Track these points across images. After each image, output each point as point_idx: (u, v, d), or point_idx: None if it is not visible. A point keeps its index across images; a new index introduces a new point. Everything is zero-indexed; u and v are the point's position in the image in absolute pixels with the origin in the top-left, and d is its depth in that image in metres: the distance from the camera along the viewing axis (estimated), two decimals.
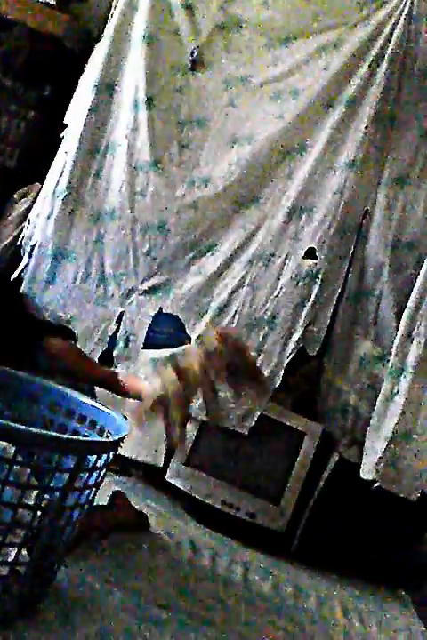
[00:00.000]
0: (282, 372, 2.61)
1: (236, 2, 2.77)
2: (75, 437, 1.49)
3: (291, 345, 2.62)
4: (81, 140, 2.74)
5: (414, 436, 2.40)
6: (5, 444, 1.25)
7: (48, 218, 2.73)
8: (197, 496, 2.49)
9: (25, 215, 2.84)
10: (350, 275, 2.64)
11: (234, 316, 2.65)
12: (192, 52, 2.75)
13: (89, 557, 1.71)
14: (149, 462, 2.60)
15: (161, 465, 2.59)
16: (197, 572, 1.97)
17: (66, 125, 2.83)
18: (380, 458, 2.38)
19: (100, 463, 1.34)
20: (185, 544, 2.14)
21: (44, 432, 1.35)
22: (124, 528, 1.99)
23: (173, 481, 2.53)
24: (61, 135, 2.82)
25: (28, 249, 2.76)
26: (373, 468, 2.40)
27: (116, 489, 2.15)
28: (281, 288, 2.63)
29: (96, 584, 1.60)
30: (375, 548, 2.48)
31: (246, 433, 2.57)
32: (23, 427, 1.20)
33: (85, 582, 1.58)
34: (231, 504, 2.48)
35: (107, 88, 2.77)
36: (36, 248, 2.74)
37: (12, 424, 1.19)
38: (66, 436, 1.46)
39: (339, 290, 2.63)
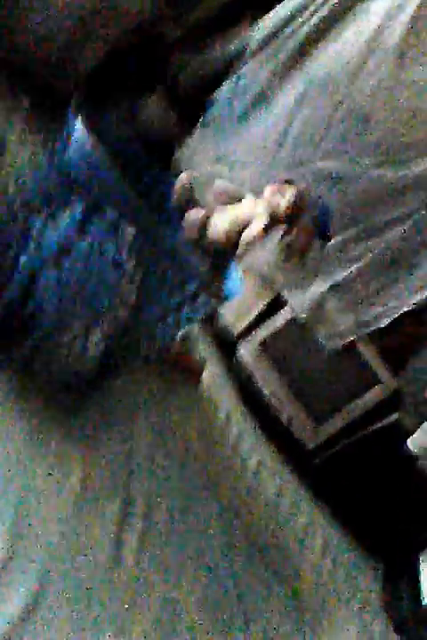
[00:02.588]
0: (394, 317, 2.61)
1: None
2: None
3: (418, 296, 2.59)
4: None
5: None
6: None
7: (269, 60, 2.66)
8: (253, 376, 2.61)
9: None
10: None
11: (381, 244, 2.62)
12: None
13: (142, 374, 1.87)
14: (228, 324, 2.70)
15: (236, 333, 2.67)
16: (222, 440, 2.14)
17: None
18: None
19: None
20: (222, 410, 2.30)
21: None
22: (182, 367, 2.14)
23: (241, 351, 2.65)
24: None
25: (234, 79, 2.73)
26: (422, 445, 2.42)
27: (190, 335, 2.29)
28: None
29: (138, 398, 1.78)
30: (380, 515, 2.55)
31: (329, 349, 2.62)
32: None
33: (131, 391, 1.77)
34: (280, 399, 2.59)
35: None
36: (241, 82, 2.70)
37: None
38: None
39: None
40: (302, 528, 2.20)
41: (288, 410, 2.61)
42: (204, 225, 1.68)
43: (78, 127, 1.28)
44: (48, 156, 1.32)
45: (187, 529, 1.57)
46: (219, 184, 1.84)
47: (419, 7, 2.44)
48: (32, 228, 1.30)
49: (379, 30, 2.51)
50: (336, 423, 2.59)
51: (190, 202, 1.71)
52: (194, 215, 1.67)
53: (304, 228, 1.80)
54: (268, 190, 1.75)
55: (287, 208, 1.72)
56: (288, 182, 1.77)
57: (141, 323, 1.48)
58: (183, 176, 1.71)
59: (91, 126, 1.31)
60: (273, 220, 1.73)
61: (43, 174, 1.30)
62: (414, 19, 2.45)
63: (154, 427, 1.73)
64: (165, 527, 1.49)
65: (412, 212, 2.59)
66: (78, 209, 1.28)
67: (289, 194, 1.72)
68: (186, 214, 1.68)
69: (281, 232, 1.77)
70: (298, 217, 1.76)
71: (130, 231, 1.34)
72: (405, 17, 2.46)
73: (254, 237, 1.67)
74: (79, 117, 1.30)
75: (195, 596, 1.41)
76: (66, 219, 1.28)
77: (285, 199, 1.72)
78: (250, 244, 1.68)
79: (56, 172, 1.29)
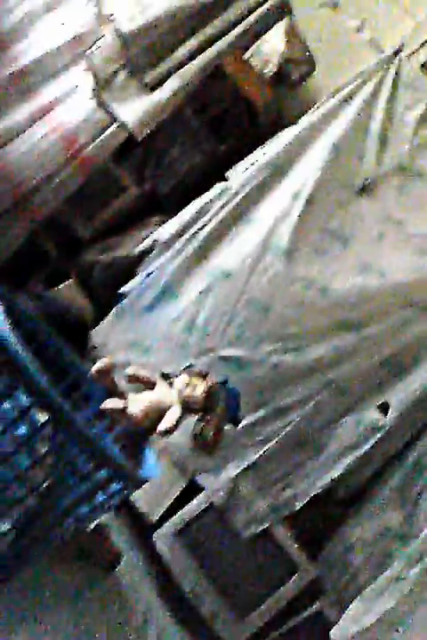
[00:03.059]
0: (306, 500, 2.65)
1: None
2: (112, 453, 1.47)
3: (326, 478, 2.66)
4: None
5: (399, 630, 2.31)
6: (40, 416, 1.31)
7: (176, 256, 2.86)
8: (172, 570, 2.48)
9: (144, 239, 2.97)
10: None
11: (287, 426, 2.71)
12: None
13: (53, 567, 1.74)
14: (144, 512, 2.62)
15: (154, 521, 2.60)
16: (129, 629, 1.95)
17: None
18: (359, 632, 2.30)
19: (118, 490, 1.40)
20: (140, 609, 2.14)
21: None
22: (96, 559, 2.01)
23: (157, 543, 2.54)
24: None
25: (144, 274, 2.89)
26: (346, 636, 2.33)
27: (105, 523, 2.18)
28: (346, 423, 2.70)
29: (48, 596, 1.63)
30: None
31: (245, 536, 2.58)
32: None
33: (41, 588, 1.62)
34: (198, 595, 2.45)
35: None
36: (150, 276, 2.86)
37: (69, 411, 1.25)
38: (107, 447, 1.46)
39: None
40: None
41: (209, 605, 2.45)
42: (120, 411, 1.71)
43: None
44: None
45: None
46: (132, 368, 1.90)
47: (304, 212, 2.79)
48: None
49: (270, 231, 2.81)
50: (260, 617, 2.46)
51: (108, 386, 1.75)
52: (111, 403, 1.71)
53: (216, 417, 1.87)
54: (180, 381, 1.85)
55: (200, 401, 1.83)
56: (200, 374, 1.87)
57: (52, 510, 1.41)
58: (104, 360, 1.76)
59: (6, 309, 1.33)
60: (186, 410, 1.79)
61: None
62: (301, 220, 2.78)
63: (64, 630, 1.57)
64: None
65: (312, 394, 2.74)
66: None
67: (201, 387, 1.84)
68: (104, 402, 1.71)
69: (193, 421, 1.84)
70: (210, 408, 1.84)
71: (42, 416, 1.32)
72: (291, 219, 2.79)
73: (170, 428, 1.72)
74: None
75: None
76: None
77: (198, 392, 1.83)
78: (165, 433, 1.73)
79: None
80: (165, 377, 1.97)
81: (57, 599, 1.64)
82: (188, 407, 1.82)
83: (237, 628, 2.44)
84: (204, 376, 1.89)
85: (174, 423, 1.74)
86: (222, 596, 2.48)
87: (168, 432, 1.74)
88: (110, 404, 1.72)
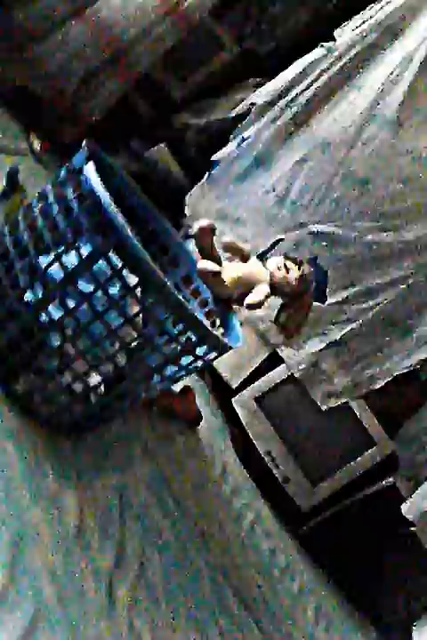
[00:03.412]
0: (389, 379, 2.62)
1: None
2: (199, 317, 1.45)
3: (412, 360, 2.61)
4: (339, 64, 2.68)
5: None
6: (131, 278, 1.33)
7: (272, 122, 2.75)
8: (249, 432, 2.60)
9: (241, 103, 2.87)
10: None
11: (377, 306, 2.63)
12: None
13: (140, 422, 1.88)
14: (225, 378, 2.72)
15: (234, 387, 2.70)
16: (217, 495, 2.10)
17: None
18: None
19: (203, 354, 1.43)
20: (218, 464, 2.26)
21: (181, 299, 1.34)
22: (180, 418, 2.13)
23: (236, 406, 2.65)
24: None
25: (239, 140, 2.82)
26: (417, 511, 2.39)
27: (190, 385, 2.28)
28: None
29: (135, 446, 1.76)
30: (375, 582, 2.50)
31: (324, 409, 2.63)
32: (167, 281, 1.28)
33: (127, 439, 1.75)
34: (274, 459, 2.57)
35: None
36: (245, 142, 2.78)
37: (161, 276, 1.27)
38: (195, 312, 1.45)
39: None
40: (295, 591, 2.13)
41: (283, 469, 2.57)
42: (213, 274, 1.72)
43: (87, 171, 1.30)
44: (57, 196, 1.34)
45: (178, 585, 1.52)
46: (229, 237, 1.90)
47: (415, 79, 2.55)
48: (39, 265, 1.31)
49: (376, 100, 2.61)
50: (331, 485, 2.56)
51: (206, 249, 1.76)
52: (207, 265, 1.71)
53: (303, 306, 1.86)
54: (274, 262, 1.82)
55: (292, 287, 1.82)
56: (295, 261, 1.83)
57: (139, 370, 1.48)
58: (208, 220, 1.76)
59: (99, 171, 1.34)
60: (275, 291, 1.79)
61: (52, 214, 1.32)
62: (411, 90, 2.56)
63: (147, 479, 1.70)
64: (158, 583, 1.44)
65: (407, 276, 2.64)
66: (85, 251, 1.30)
67: (294, 274, 1.82)
68: (201, 262, 1.72)
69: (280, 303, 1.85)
70: (299, 296, 1.82)
71: (133, 277, 1.35)
72: (402, 88, 2.57)
73: (257, 302, 1.73)
74: (89, 163, 1.33)
75: None
76: (73, 260, 1.29)
77: (291, 277, 1.82)
78: (251, 307, 1.74)
79: (64, 213, 1.31)
80: (260, 257, 1.97)
81: (142, 452, 1.76)
82: (278, 290, 1.82)
83: (309, 492, 2.56)
84: (299, 263, 1.86)
85: (262, 299, 1.75)
86: (297, 461, 2.58)
87: (255, 306, 1.74)
88: (207, 265, 1.71)
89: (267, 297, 1.77)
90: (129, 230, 1.28)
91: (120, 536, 1.42)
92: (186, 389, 2.22)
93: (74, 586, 1.18)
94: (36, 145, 2.40)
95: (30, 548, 1.13)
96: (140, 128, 2.79)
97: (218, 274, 1.71)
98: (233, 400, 2.67)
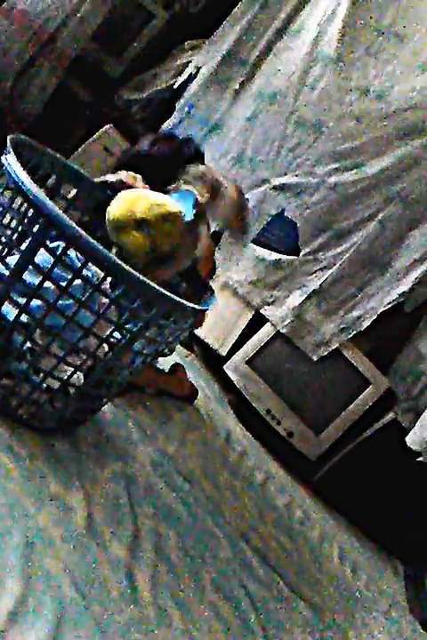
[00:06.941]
0: (374, 317, 2.62)
1: None
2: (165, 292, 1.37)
3: (394, 294, 2.60)
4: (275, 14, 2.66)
5: None
6: (98, 272, 1.32)
7: (217, 84, 2.73)
8: (246, 395, 2.60)
9: (183, 68, 2.82)
10: None
11: (351, 247, 2.62)
12: None
13: (135, 407, 1.87)
14: (213, 347, 2.71)
15: (224, 354, 2.70)
16: (224, 462, 2.10)
17: None
18: None
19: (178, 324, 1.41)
20: (221, 432, 2.27)
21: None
22: (174, 396, 2.13)
23: (229, 373, 2.65)
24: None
25: (186, 108, 2.78)
26: (422, 440, 2.41)
27: (178, 362, 2.28)
28: (414, 237, 2.57)
29: (133, 431, 1.75)
30: (392, 514, 2.52)
31: (315, 359, 2.63)
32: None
33: (125, 425, 1.74)
34: (275, 416, 2.58)
35: None
36: (193, 109, 2.75)
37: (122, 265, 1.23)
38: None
39: None
40: (316, 539, 2.15)
41: (286, 424, 2.58)
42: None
43: (7, 161, 1.26)
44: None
45: (198, 558, 1.52)
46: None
47: (349, 13, 2.53)
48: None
49: (315, 41, 2.58)
50: (335, 430, 2.57)
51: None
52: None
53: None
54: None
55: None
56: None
57: (119, 358, 1.44)
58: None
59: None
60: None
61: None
62: (347, 25, 2.53)
63: (151, 461, 1.69)
64: (177, 561, 1.44)
65: (375, 211, 2.63)
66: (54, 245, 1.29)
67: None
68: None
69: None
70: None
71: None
72: (337, 25, 2.54)
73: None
74: (9, 154, 1.28)
75: (214, 625, 1.36)
76: (43, 254, 1.26)
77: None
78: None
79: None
80: None
81: (140, 435, 1.76)
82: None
83: (315, 442, 2.58)
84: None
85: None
86: (297, 414, 2.59)
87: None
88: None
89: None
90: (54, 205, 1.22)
91: (132, 522, 1.41)
92: (175, 367, 2.21)
93: (93, 581, 1.18)
94: None
95: (43, 552, 1.12)
96: (84, 114, 2.74)
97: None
98: (225, 367, 2.66)
